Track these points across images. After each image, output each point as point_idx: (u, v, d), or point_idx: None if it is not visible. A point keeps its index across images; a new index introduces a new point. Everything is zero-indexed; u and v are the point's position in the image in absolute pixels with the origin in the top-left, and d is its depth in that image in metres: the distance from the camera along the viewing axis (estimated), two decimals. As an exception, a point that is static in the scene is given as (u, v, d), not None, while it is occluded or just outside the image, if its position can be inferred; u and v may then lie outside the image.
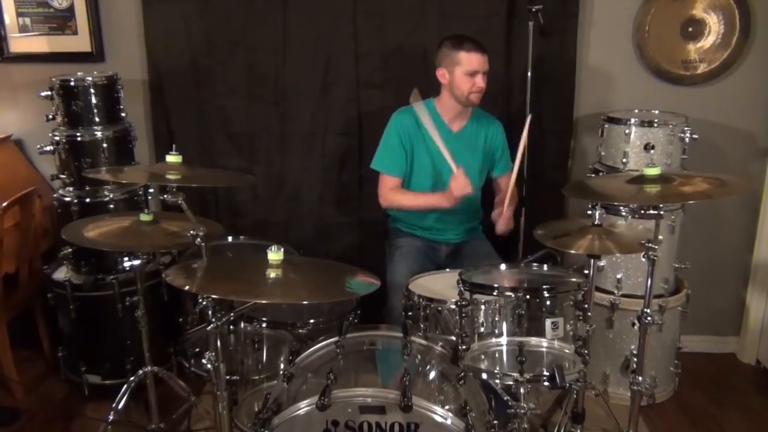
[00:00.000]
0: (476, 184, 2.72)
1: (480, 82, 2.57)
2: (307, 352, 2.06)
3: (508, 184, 2.58)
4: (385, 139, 2.71)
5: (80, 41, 3.08)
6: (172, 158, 2.06)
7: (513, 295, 1.86)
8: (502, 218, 2.58)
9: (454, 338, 2.01)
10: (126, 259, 2.75)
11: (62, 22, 3.08)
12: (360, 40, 2.98)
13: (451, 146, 2.63)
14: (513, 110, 2.96)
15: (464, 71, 2.55)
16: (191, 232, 1.95)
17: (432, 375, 2.01)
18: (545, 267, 2.11)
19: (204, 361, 1.73)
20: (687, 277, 2.90)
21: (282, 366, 2.26)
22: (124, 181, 2.71)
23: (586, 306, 1.92)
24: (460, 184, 2.50)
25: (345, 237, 3.17)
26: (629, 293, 2.74)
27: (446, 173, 2.62)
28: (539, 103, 2.92)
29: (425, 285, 2.34)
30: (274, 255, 1.71)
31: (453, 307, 2.02)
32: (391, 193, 2.71)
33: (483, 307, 1.90)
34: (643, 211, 2.57)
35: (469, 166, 2.67)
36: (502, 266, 2.13)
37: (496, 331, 1.90)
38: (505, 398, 1.91)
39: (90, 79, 2.71)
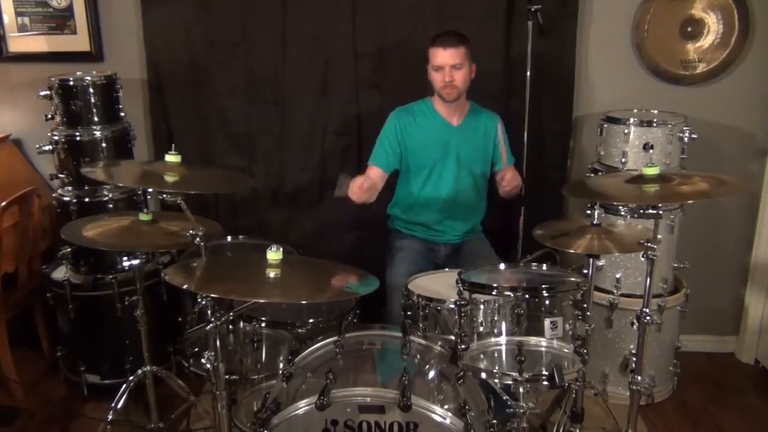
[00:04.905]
0: (478, 180, 2.73)
1: (447, 76, 2.53)
2: (306, 351, 2.06)
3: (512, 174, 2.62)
4: (381, 133, 2.72)
5: (79, 41, 3.08)
6: (171, 158, 2.06)
7: (512, 295, 1.86)
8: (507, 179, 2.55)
9: (453, 338, 2.01)
10: (125, 258, 2.74)
11: (61, 22, 3.07)
12: (359, 41, 2.98)
13: (454, 139, 2.63)
14: (512, 110, 2.95)
15: (433, 67, 2.57)
16: (190, 231, 1.95)
17: (431, 374, 2.01)
18: (544, 266, 2.11)
19: (203, 360, 1.73)
20: (686, 277, 2.90)
21: (281, 365, 2.26)
22: (120, 184, 2.64)
23: (585, 305, 1.92)
24: (354, 186, 2.38)
25: (344, 237, 3.18)
26: (628, 293, 2.74)
27: (439, 173, 2.68)
28: (539, 102, 2.91)
29: (424, 285, 2.34)
30: (274, 254, 1.70)
31: (452, 306, 2.02)
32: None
33: (482, 306, 1.90)
34: (642, 211, 2.57)
35: (472, 160, 2.69)
36: (501, 266, 2.13)
37: (495, 331, 1.90)
38: (504, 398, 1.90)
39: (89, 78, 2.71)
